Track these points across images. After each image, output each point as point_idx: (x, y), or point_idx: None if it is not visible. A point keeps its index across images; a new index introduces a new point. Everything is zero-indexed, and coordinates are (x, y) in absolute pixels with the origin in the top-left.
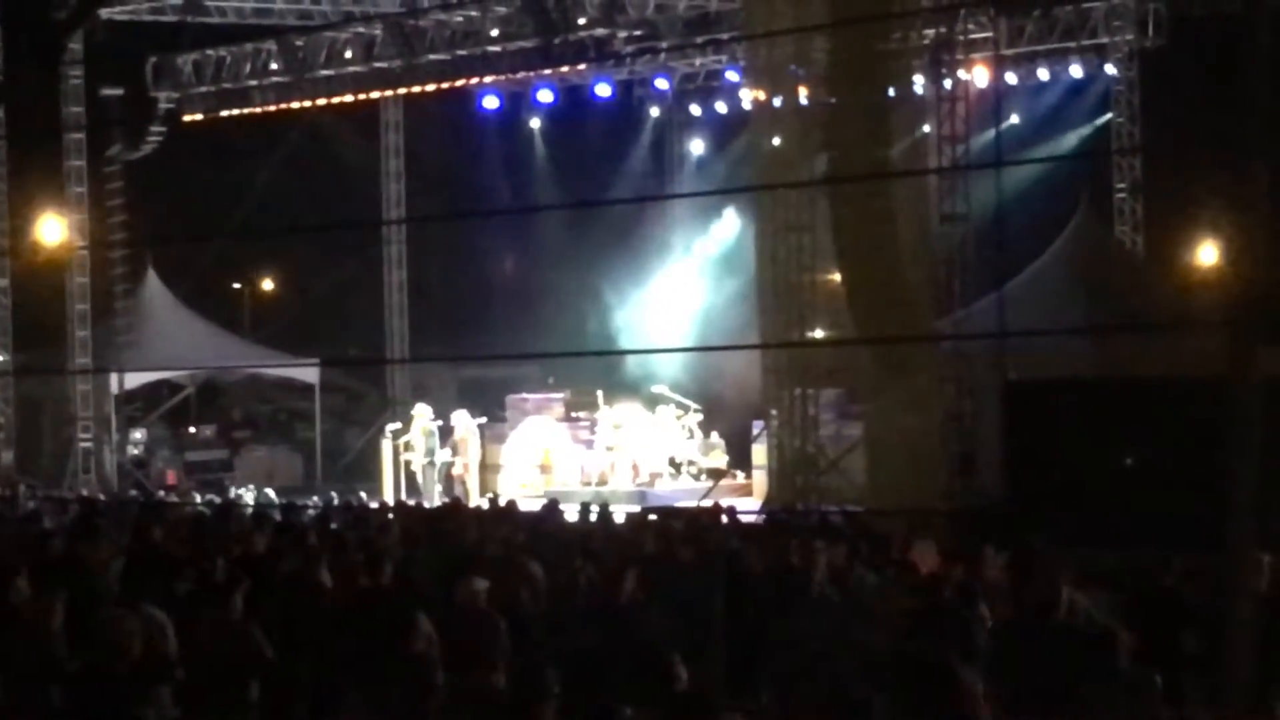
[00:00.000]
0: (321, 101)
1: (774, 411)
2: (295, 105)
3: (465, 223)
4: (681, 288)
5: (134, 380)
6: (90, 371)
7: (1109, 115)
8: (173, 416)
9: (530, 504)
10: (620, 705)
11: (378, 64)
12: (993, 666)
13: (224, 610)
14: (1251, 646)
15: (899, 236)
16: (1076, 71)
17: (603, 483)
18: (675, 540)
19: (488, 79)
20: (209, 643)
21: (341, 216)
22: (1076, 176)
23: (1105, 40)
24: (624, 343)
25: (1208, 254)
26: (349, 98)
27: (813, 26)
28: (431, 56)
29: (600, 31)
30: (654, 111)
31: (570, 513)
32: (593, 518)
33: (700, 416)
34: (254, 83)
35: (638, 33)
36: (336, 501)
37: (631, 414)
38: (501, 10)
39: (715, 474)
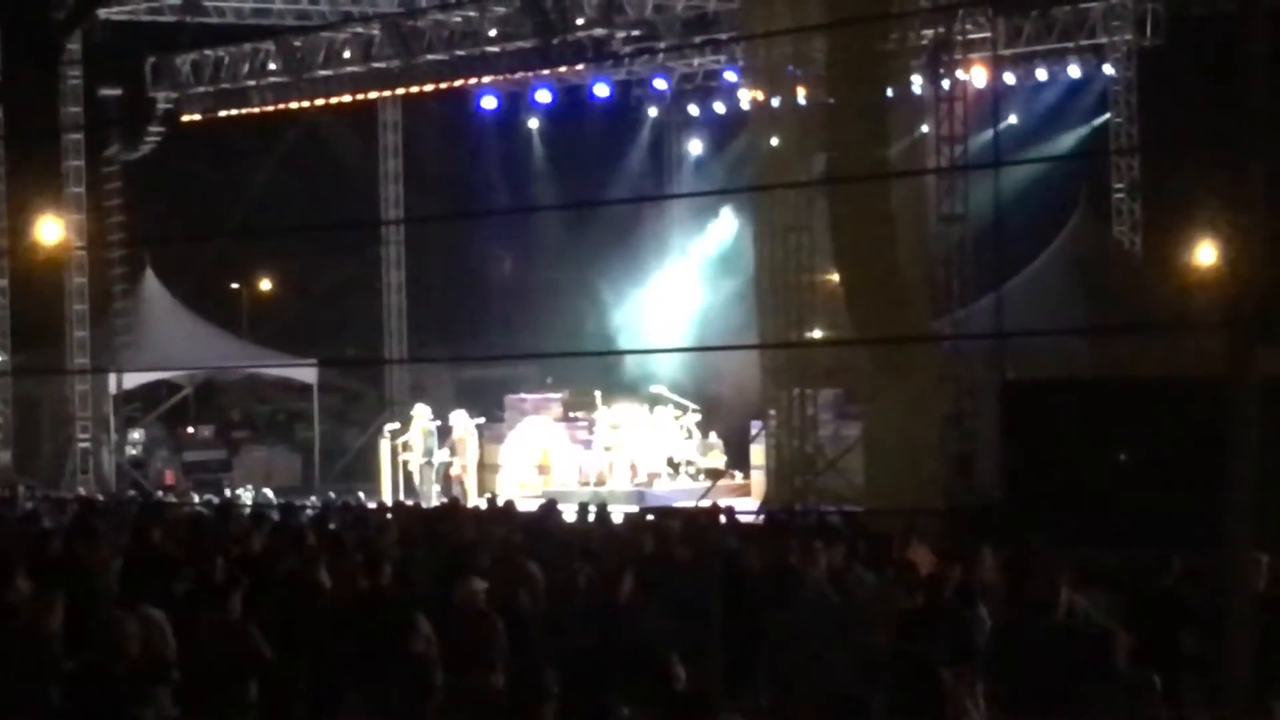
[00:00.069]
0: (320, 102)
1: (772, 412)
2: (293, 105)
3: (463, 223)
4: (680, 288)
5: (132, 380)
6: (88, 372)
7: (1107, 115)
8: (171, 417)
9: (528, 504)
10: (618, 705)
11: (376, 64)
12: (992, 666)
13: (222, 610)
14: (1250, 646)
15: (897, 237)
16: (1074, 71)
17: (601, 483)
18: (673, 540)
19: (486, 79)
20: (207, 643)
21: (340, 217)
22: (1074, 177)
23: (1103, 40)
24: (622, 343)
25: (1206, 254)
26: (347, 98)
27: (811, 27)
28: (430, 57)
29: (598, 32)
30: (652, 112)
31: (568, 513)
32: (591, 518)
33: (698, 417)
34: (252, 83)
35: (636, 33)
36: (335, 502)
37: (630, 414)
38: (500, 10)
39: (713, 474)
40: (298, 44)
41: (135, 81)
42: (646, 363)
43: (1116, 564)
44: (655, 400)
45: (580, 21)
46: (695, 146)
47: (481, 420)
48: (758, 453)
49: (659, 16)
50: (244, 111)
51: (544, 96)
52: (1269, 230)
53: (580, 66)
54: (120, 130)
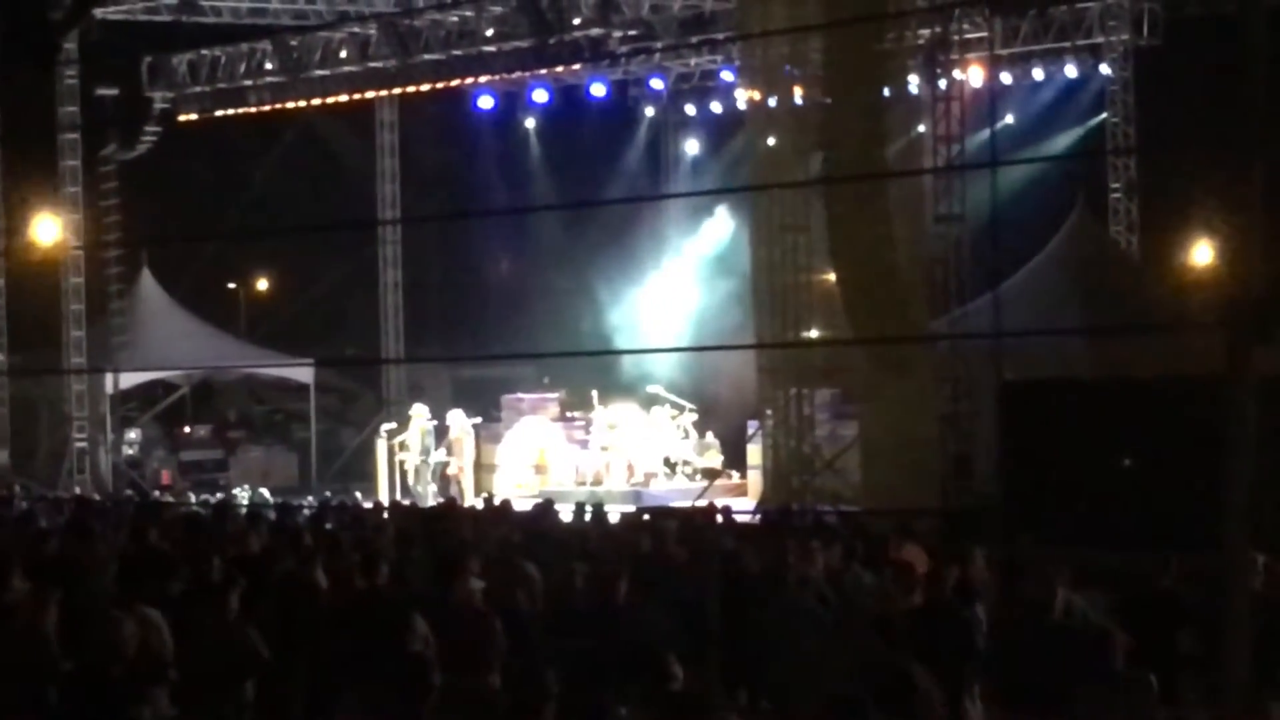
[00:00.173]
0: (316, 101)
1: (769, 411)
2: (290, 105)
3: (460, 223)
4: (677, 288)
5: (129, 380)
6: (85, 371)
7: (1104, 115)
8: (168, 416)
9: (525, 504)
10: (615, 705)
11: (373, 64)
12: (989, 666)
13: (220, 611)
14: (1248, 647)
15: (894, 236)
16: (1071, 71)
17: (598, 483)
18: (670, 540)
19: (483, 79)
20: (205, 643)
21: (336, 216)
22: (1072, 177)
23: (1100, 40)
24: (619, 342)
25: (1203, 254)
26: (344, 97)
27: (808, 26)
28: (426, 56)
29: (595, 31)
30: (649, 111)
31: (565, 513)
32: (588, 518)
33: (695, 416)
34: (249, 82)
35: (633, 32)
36: (331, 500)
37: (626, 414)
38: (496, 10)
39: (710, 474)
40: (294, 44)
41: (132, 81)
42: (643, 362)
43: (1114, 564)
44: (652, 400)
45: (577, 21)
46: (692, 146)
47: (478, 420)
48: (754, 452)
49: (656, 16)
50: (241, 111)
51: (541, 96)
52: (1267, 230)
53: (577, 66)
54: (117, 130)
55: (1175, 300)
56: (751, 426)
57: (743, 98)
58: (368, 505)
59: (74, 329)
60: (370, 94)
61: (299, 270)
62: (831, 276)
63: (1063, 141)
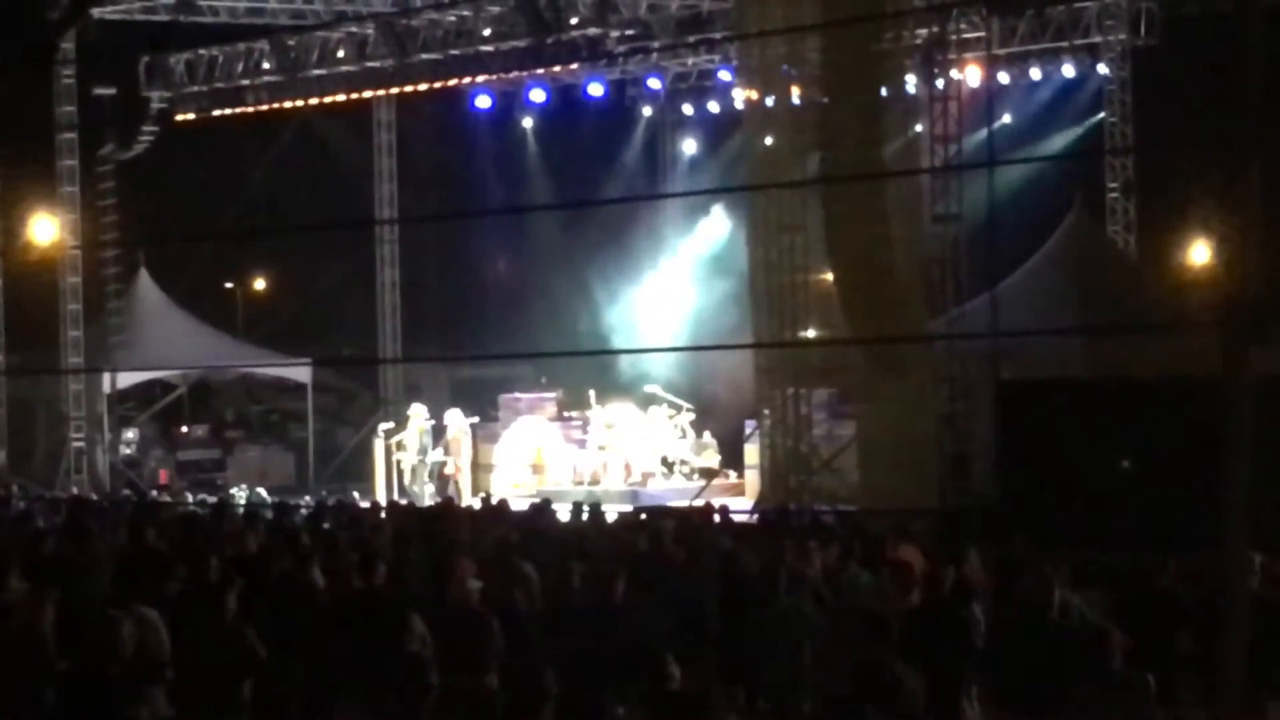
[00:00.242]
0: (314, 101)
1: (766, 411)
2: (288, 105)
3: (458, 222)
4: (674, 287)
5: (126, 380)
6: (83, 371)
7: (1101, 115)
8: (165, 416)
9: (522, 504)
10: (614, 705)
11: (370, 63)
12: (987, 666)
13: (217, 611)
14: (1244, 647)
15: (892, 236)
16: (1069, 71)
17: (595, 482)
18: (668, 540)
19: (480, 78)
20: (202, 643)
21: (334, 216)
22: (1069, 176)
23: (1098, 40)
24: (617, 342)
25: (1200, 254)
26: (341, 97)
27: (805, 26)
28: (424, 56)
29: (593, 31)
30: (646, 111)
31: (563, 512)
32: (585, 517)
33: (693, 416)
34: (246, 82)
35: (630, 32)
36: (329, 501)
37: (624, 413)
38: (494, 10)
39: (708, 474)
40: (292, 43)
41: (129, 81)
42: (641, 362)
43: (1112, 564)
44: (650, 400)
45: (574, 21)
46: (689, 146)
47: (476, 419)
48: (752, 452)
49: (653, 16)
50: (238, 111)
51: (538, 96)
52: (1264, 230)
53: (574, 66)
54: (114, 129)
55: (1172, 300)
56: (749, 426)
57: (740, 97)
58: (365, 505)
59: (71, 329)
60: (368, 93)
61: (296, 270)
62: (829, 276)
63: (1060, 141)
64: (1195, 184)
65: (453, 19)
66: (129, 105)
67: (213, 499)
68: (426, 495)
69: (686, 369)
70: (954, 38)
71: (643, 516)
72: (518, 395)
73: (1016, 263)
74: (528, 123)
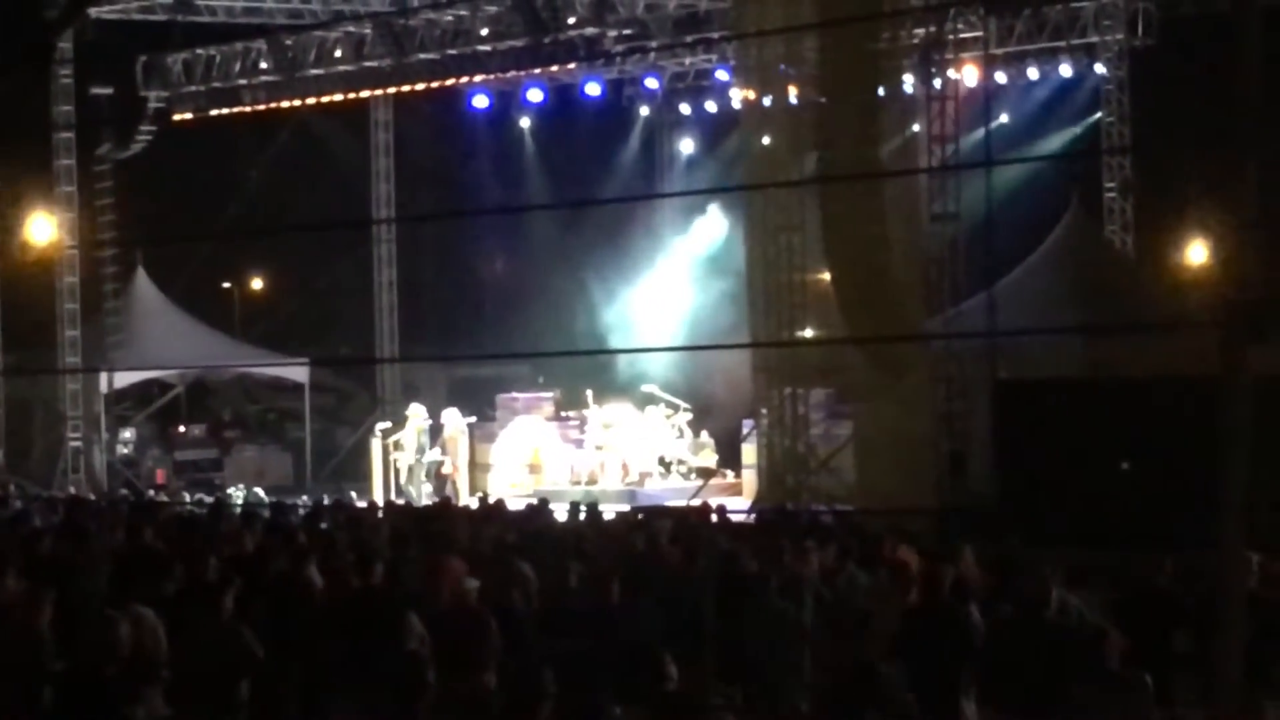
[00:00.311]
0: (311, 101)
1: (764, 411)
2: (285, 104)
3: (455, 222)
4: (672, 287)
5: (123, 380)
6: (80, 371)
7: (1099, 115)
8: (162, 416)
9: (520, 504)
10: (611, 704)
11: (368, 63)
12: (984, 665)
13: (214, 610)
14: (1241, 646)
15: (889, 236)
16: (1066, 71)
17: (592, 482)
18: (665, 540)
19: (477, 78)
20: (199, 643)
21: (331, 216)
22: (1066, 176)
23: (1095, 39)
24: (614, 342)
25: (1197, 253)
26: (339, 97)
27: (803, 26)
28: (421, 55)
29: (590, 30)
30: (644, 111)
31: (560, 512)
32: (582, 517)
33: (690, 416)
34: (244, 82)
35: (627, 32)
36: (326, 501)
37: (621, 413)
38: (491, 9)
39: (705, 473)
40: (289, 43)
41: (127, 80)
42: (638, 362)
43: (1109, 563)
44: (647, 399)
45: (572, 20)
46: (687, 145)
47: (473, 419)
48: (749, 452)
49: (650, 15)
50: (236, 110)
51: (535, 95)
52: (1262, 230)
53: (572, 65)
54: (112, 129)
55: (1170, 299)
56: (746, 426)
57: (738, 97)
58: (362, 505)
59: (69, 328)
60: (365, 93)
61: (294, 269)
62: (826, 276)
63: (1057, 141)
64: (1193, 184)
65: (450, 19)
66: (126, 105)
67: (210, 499)
68: (423, 495)
69: (684, 369)
70: (951, 37)
71: (640, 516)
72: (515, 395)
73: (1014, 262)
74: (525, 122)
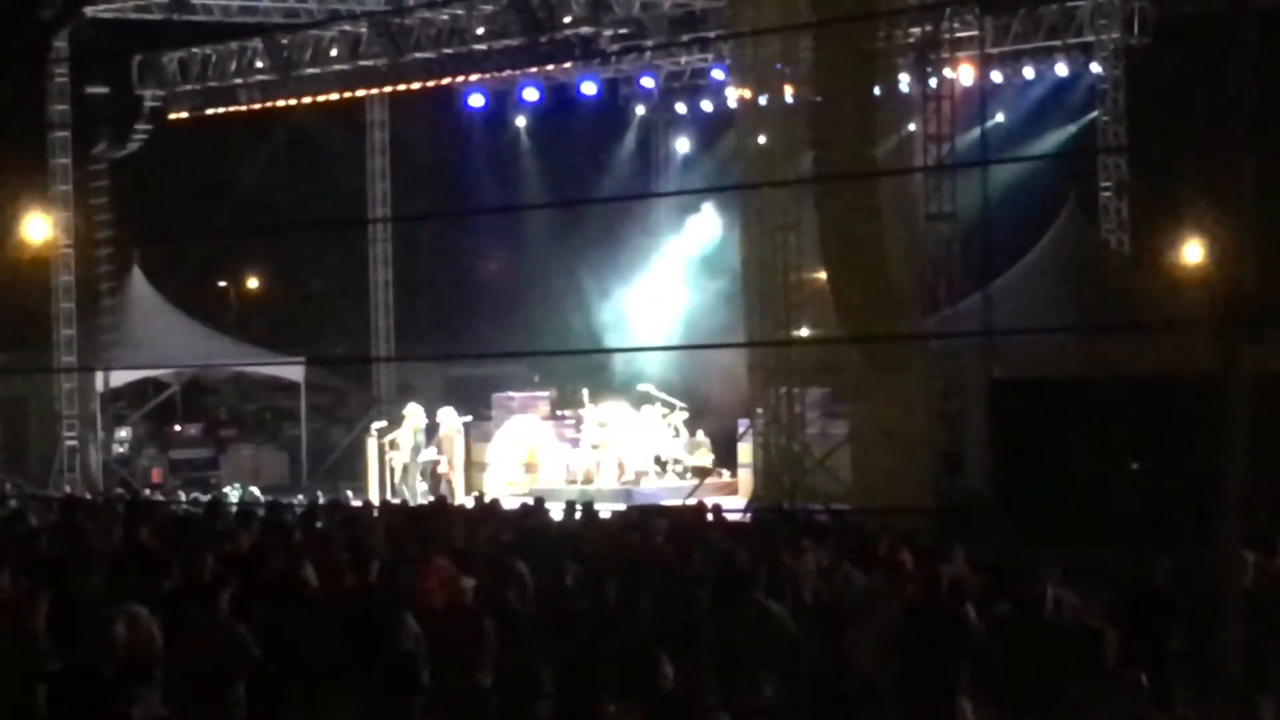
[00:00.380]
0: (307, 100)
1: (760, 410)
2: (281, 103)
3: (451, 221)
4: (667, 286)
5: (119, 378)
6: (76, 370)
7: (1094, 113)
8: (158, 415)
9: (516, 503)
10: (606, 703)
11: (363, 62)
12: (981, 664)
13: (210, 609)
14: (1238, 645)
15: (885, 235)
16: (1062, 70)
17: (588, 481)
18: (661, 539)
19: (473, 77)
20: (195, 642)
21: (327, 215)
22: (1062, 175)
23: (1091, 38)
24: (610, 341)
25: (1193, 252)
26: (335, 96)
27: (799, 25)
28: (417, 55)
29: (586, 30)
30: (639, 110)
31: (556, 511)
32: (578, 516)
33: (686, 415)
34: (240, 81)
35: (623, 31)
36: (321, 500)
37: (617, 412)
38: (487, 8)
39: (701, 472)
40: (285, 42)
41: (122, 79)
42: (634, 361)
43: (1105, 562)
44: (643, 398)
45: (568, 20)
46: (683, 145)
47: (469, 418)
48: (745, 451)
49: (646, 14)
50: (231, 109)
51: (531, 94)
52: (1258, 229)
53: (568, 65)
54: (108, 128)
55: (1165, 298)
56: (742, 425)
57: (733, 96)
58: (357, 504)
59: (64, 327)
60: (361, 92)
61: (290, 269)
62: (822, 275)
63: (1053, 140)
64: (1188, 183)
65: (446, 18)
66: (122, 104)
67: (205, 498)
68: (418, 494)
69: (680, 368)
70: (947, 36)
71: (636, 516)
72: (511, 394)
73: (1010, 262)
74: (521, 121)
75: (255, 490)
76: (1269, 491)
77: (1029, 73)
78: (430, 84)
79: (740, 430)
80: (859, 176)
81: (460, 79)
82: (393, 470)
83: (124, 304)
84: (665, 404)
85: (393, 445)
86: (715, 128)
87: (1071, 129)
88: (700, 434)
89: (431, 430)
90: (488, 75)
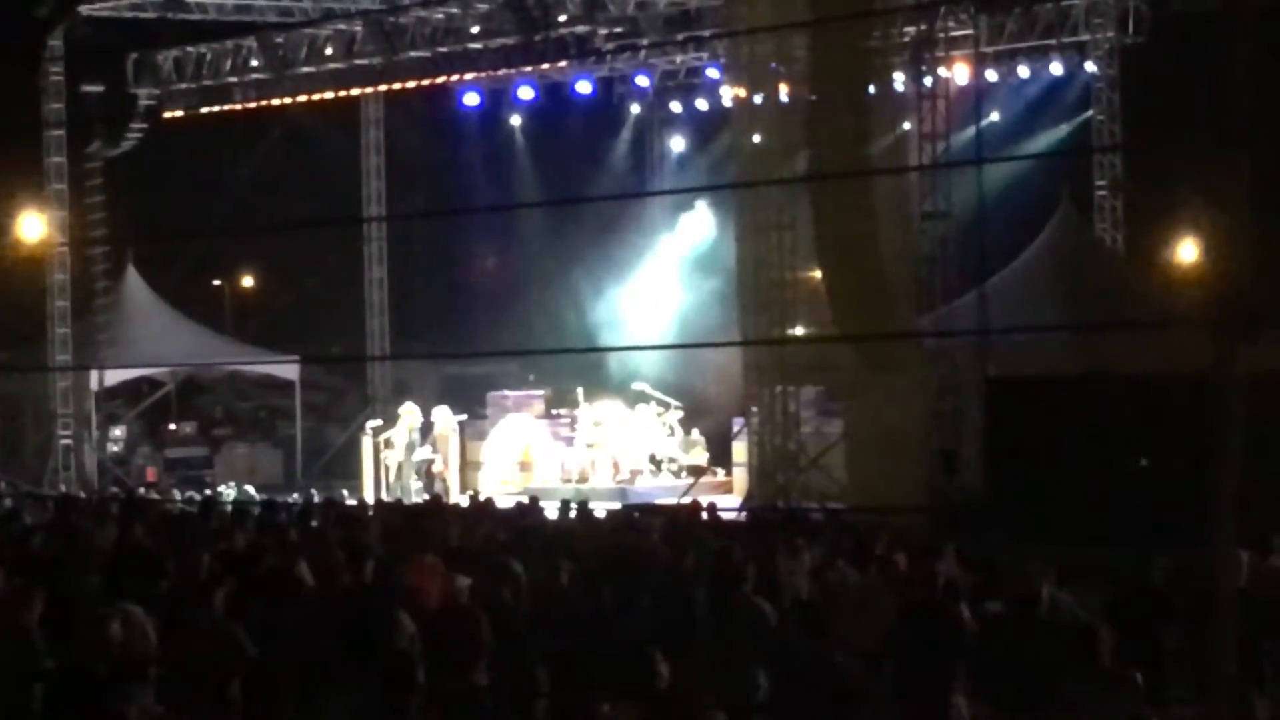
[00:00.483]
0: (302, 98)
1: (754, 409)
2: (276, 102)
3: (446, 220)
4: (662, 285)
5: (114, 377)
6: (70, 369)
7: (1089, 112)
8: (153, 413)
9: (510, 501)
10: (601, 703)
11: (358, 61)
12: (975, 663)
13: (206, 608)
14: (1234, 643)
15: (880, 234)
16: (1057, 69)
17: (583, 480)
18: (656, 537)
19: (468, 76)
20: (191, 641)
21: (322, 213)
22: (1057, 174)
23: (1086, 37)
24: (604, 340)
25: (1188, 251)
26: (330, 94)
27: (794, 24)
28: (412, 53)
29: (581, 28)
30: (634, 108)
31: (550, 510)
32: (572, 515)
33: (681, 414)
34: (234, 79)
35: (618, 29)
36: (316, 498)
37: (612, 411)
38: (482, 7)
39: (696, 471)
40: (280, 40)
41: (117, 78)
42: (629, 360)
43: (1100, 560)
44: (638, 397)
45: (562, 18)
46: (678, 143)
47: (464, 417)
48: (740, 450)
49: (641, 13)
50: (226, 108)
51: (526, 93)
52: (1253, 228)
53: (563, 63)
54: (102, 127)
55: (1160, 297)
56: (737, 424)
57: (728, 95)
58: (352, 502)
59: (59, 326)
60: (356, 91)
61: (284, 267)
62: (817, 274)
63: (1048, 139)
64: (1183, 181)
65: (441, 16)
66: (117, 102)
67: (200, 496)
68: (412, 493)
69: (675, 366)
70: (942, 35)
71: (632, 515)
72: (506, 393)
73: (1004, 260)
74: (516, 120)
75: (250, 489)
76: (1264, 490)
77: (1024, 71)
78: (425, 83)
79: (735, 429)
80: (854, 175)
81: (455, 78)
82: (388, 469)
83: (119, 303)
84: (660, 403)
85: (388, 444)
86: (710, 127)
87: (1066, 128)
88: (695, 433)
89: (426, 429)
90: (483, 74)
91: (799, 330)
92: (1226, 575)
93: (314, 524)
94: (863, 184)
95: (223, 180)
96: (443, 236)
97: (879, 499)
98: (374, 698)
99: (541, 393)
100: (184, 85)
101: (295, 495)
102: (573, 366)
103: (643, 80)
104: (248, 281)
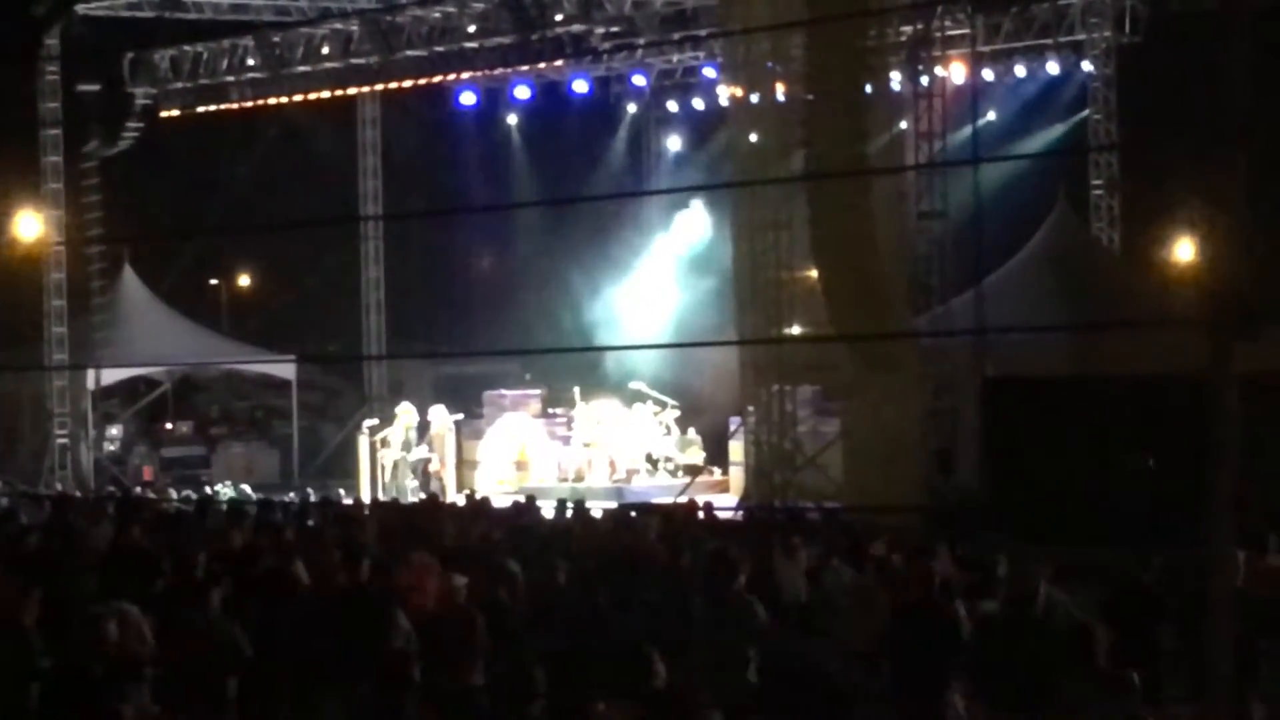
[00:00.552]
0: (299, 97)
1: (751, 408)
2: (272, 101)
3: (442, 219)
4: (659, 284)
5: (111, 376)
6: (67, 368)
7: (1086, 112)
8: (149, 413)
9: (507, 501)
10: (598, 702)
11: (355, 60)
12: (970, 662)
13: (202, 608)
14: (1230, 643)
15: (876, 233)
16: (1053, 68)
17: (579, 479)
18: (652, 537)
19: (465, 75)
20: (187, 640)
21: (319, 213)
22: (1053, 173)
23: (1082, 37)
24: (601, 339)
25: (1184, 251)
26: (326, 94)
27: (790, 23)
28: (409, 53)
29: (577, 28)
30: (631, 108)
31: (547, 509)
32: (569, 514)
33: (677, 413)
34: (231, 78)
35: (615, 29)
36: (313, 498)
37: (608, 410)
38: (479, 6)
39: (692, 470)
40: (277, 40)
41: (114, 77)
42: (625, 359)
43: (1096, 560)
44: (634, 396)
45: (559, 18)
46: (674, 143)
47: (460, 416)
48: (736, 449)
49: (638, 12)
50: (223, 107)
51: (523, 93)
52: (1250, 227)
53: (559, 63)
54: (99, 126)
55: (1156, 296)
56: (733, 423)
57: (725, 94)
58: (349, 502)
59: (56, 325)
60: (352, 90)
61: (281, 266)
62: (814, 273)
63: (1044, 138)
64: (1180, 181)
65: (438, 15)
66: (113, 101)
67: (197, 495)
68: (407, 492)
69: (671, 366)
70: (938, 35)
71: (629, 514)
72: (502, 392)
73: (1001, 260)
74: (512, 120)
75: (247, 488)
76: (1261, 489)
77: (1020, 71)
78: (422, 82)
79: (732, 428)
80: (850, 174)
81: (452, 77)
82: (384, 468)
83: (115, 302)
84: (657, 402)
85: (384, 443)
86: (707, 126)
87: (1062, 127)
88: (692, 432)
89: (423, 428)
90: (479, 73)
91: (795, 329)
92: (1224, 575)
93: (310, 523)
94: (859, 183)
95: (219, 179)
96: (439, 236)
97: (876, 498)
98: (370, 697)
99: (538, 392)
100: (180, 84)
101: (292, 495)
102: (569, 366)
103: (639, 79)
104: (244, 281)
